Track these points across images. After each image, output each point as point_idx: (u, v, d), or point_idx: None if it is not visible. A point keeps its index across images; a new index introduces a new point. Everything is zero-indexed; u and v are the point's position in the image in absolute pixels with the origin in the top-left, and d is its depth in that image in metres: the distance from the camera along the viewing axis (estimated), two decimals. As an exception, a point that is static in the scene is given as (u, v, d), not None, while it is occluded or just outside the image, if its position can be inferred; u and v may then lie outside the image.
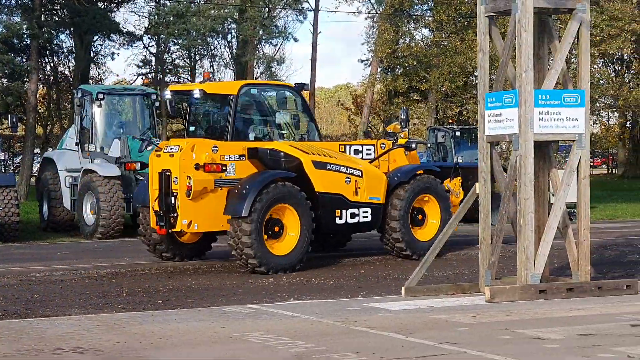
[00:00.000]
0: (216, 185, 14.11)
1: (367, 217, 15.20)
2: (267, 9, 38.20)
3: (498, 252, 11.01)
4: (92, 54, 39.72)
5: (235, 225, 13.82)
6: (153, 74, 41.42)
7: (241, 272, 14.20)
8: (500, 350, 7.71)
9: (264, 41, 39.33)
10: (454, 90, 36.15)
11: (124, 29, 39.63)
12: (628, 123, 51.59)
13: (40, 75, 37.52)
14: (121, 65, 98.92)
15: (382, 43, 38.23)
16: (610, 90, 34.62)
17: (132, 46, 41.24)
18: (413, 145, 16.49)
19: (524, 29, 10.56)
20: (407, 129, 17.02)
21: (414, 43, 39.18)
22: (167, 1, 38.13)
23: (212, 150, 14.12)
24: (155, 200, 14.28)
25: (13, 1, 34.05)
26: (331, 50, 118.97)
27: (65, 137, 23.22)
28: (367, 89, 41.83)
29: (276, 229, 14.21)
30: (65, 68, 41.81)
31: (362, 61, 45.70)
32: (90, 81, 39.48)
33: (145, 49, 42.18)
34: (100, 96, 21.18)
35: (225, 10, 36.21)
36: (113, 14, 39.03)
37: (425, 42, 40.09)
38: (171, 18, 34.84)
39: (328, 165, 14.80)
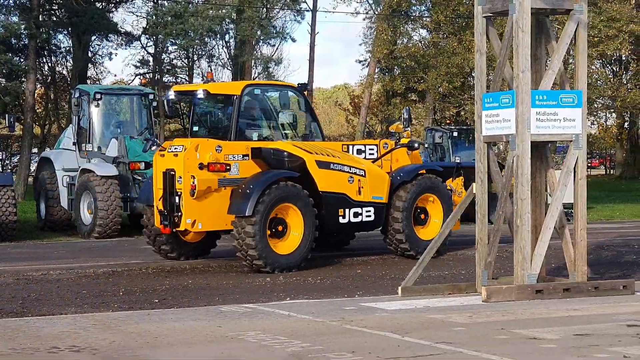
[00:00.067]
0: (220, 185, 14.17)
1: (370, 216, 15.26)
2: (265, 9, 38.20)
3: (495, 252, 11.02)
4: (90, 54, 39.73)
5: (239, 225, 13.87)
6: (151, 74, 41.43)
7: (238, 272, 14.21)
8: (496, 350, 7.71)
9: (261, 41, 39.35)
10: (451, 90, 36.20)
11: (121, 29, 39.62)
12: (626, 124, 51.64)
13: (38, 75, 37.51)
14: (119, 65, 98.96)
15: (379, 43, 38.26)
16: (608, 91, 34.67)
17: (130, 46, 41.26)
18: (416, 145, 16.55)
19: (521, 30, 10.57)
20: (409, 129, 17.09)
21: (411, 44, 39.23)
22: (165, 1, 38.14)
23: (216, 150, 14.20)
24: (159, 200, 14.35)
25: (11, 1, 34.04)
26: (329, 50, 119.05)
27: (62, 136, 23.22)
28: (365, 89, 41.85)
29: (280, 228, 14.27)
30: (63, 68, 41.84)
31: (359, 62, 45.77)
32: (88, 81, 39.49)
33: (143, 49, 42.20)
34: (98, 96, 21.20)
35: (223, 11, 36.22)
36: (111, 14, 39.04)
37: (423, 42, 40.15)
38: (169, 18, 34.84)
39: (331, 164, 14.86)
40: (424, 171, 16.09)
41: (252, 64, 39.35)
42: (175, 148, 14.26)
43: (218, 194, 14.18)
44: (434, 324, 9.19)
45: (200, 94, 14.96)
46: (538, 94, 10.70)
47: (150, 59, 41.96)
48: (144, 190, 15.65)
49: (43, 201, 21.89)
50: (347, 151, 15.78)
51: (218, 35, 39.73)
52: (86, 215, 20.19)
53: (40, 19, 34.19)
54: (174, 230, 14.39)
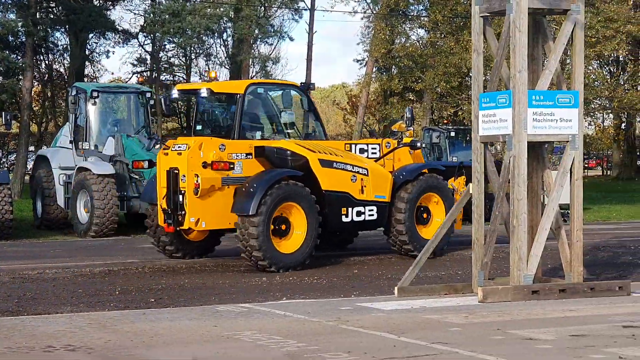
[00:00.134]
0: (223, 184, 14.22)
1: (373, 215, 15.31)
2: (262, 8, 38.20)
3: (491, 252, 11.02)
4: (87, 52, 39.73)
5: (242, 224, 13.90)
6: (148, 72, 41.42)
7: (234, 271, 14.20)
8: (492, 351, 7.71)
9: (259, 40, 39.37)
10: (449, 90, 36.18)
11: (119, 27, 39.65)
12: (623, 125, 51.63)
13: (35, 73, 37.48)
14: (116, 63, 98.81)
15: (377, 43, 38.25)
16: (605, 92, 34.65)
17: (127, 44, 41.31)
18: (418, 144, 16.59)
19: (518, 30, 10.56)
20: (412, 128, 17.13)
21: (409, 43, 39.22)
22: (163, -1, 38.14)
23: (220, 148, 14.23)
24: (163, 198, 14.38)
25: (8, -2, 34.04)
26: (327, 49, 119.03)
27: (59, 134, 23.20)
28: (363, 88, 41.86)
29: (283, 227, 14.31)
30: (60, 66, 41.83)
31: (357, 61, 45.79)
32: (85, 79, 39.44)
33: (141, 47, 42.22)
34: (95, 94, 21.17)
35: (221, 9, 36.21)
36: (108, 12, 39.04)
37: (420, 42, 40.13)
38: (167, 16, 34.83)
39: (334, 163, 14.90)
40: (426, 170, 16.14)
41: (250, 62, 39.35)
42: (179, 147, 14.32)
43: (221, 193, 14.22)
44: (430, 324, 9.19)
45: (204, 93, 15.02)
46: (535, 94, 10.70)
47: (148, 57, 41.97)
48: (148, 189, 15.70)
49: (39, 199, 21.87)
50: (350, 150, 15.83)
51: (216, 34, 39.75)
52: (82, 214, 20.17)
53: (38, 17, 34.19)
54: (178, 228, 14.43)
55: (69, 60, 39.04)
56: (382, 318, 9.52)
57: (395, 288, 11.10)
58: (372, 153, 15.99)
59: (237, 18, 35.95)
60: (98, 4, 38.44)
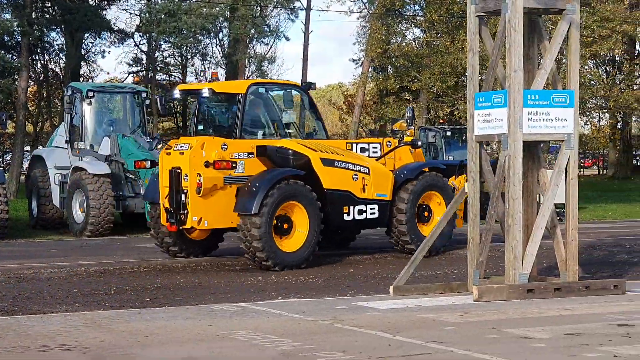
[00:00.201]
0: (226, 183, 14.27)
1: (374, 213, 15.36)
2: (258, 7, 38.18)
3: (486, 251, 11.02)
4: (82, 52, 39.67)
5: (245, 223, 13.96)
6: (144, 72, 41.38)
7: (230, 270, 14.21)
8: (487, 350, 7.72)
9: (255, 40, 39.35)
10: (445, 90, 36.18)
11: (115, 27, 39.59)
12: (619, 124, 51.70)
13: (31, 73, 37.45)
14: (112, 63, 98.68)
15: (373, 42, 38.22)
16: (601, 91, 34.69)
17: (123, 44, 41.28)
18: (419, 143, 16.64)
19: (513, 29, 10.57)
20: (413, 127, 17.17)
21: (405, 43, 39.19)
22: (159, -1, 38.10)
23: (222, 148, 14.29)
24: (165, 198, 14.43)
25: (4, -2, 34.00)
26: (323, 49, 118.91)
27: (55, 134, 23.18)
28: (359, 88, 41.83)
29: (285, 226, 14.38)
30: (56, 65, 41.78)
31: (353, 60, 45.74)
32: (81, 79, 39.41)
33: (136, 47, 42.18)
34: (91, 94, 21.17)
35: (217, 9, 36.20)
36: (104, 12, 38.99)
37: (416, 42, 40.12)
38: (162, 16, 34.81)
39: (336, 162, 14.96)
40: (427, 169, 16.20)
41: (246, 62, 39.34)
42: (181, 146, 14.38)
43: (224, 192, 14.28)
44: (425, 323, 9.19)
45: (206, 93, 15.07)
46: (530, 94, 10.71)
47: (144, 56, 41.93)
48: (150, 189, 15.74)
49: (35, 199, 21.85)
50: (351, 149, 15.87)
51: (211, 34, 39.73)
52: (78, 214, 20.16)
53: (33, 16, 34.14)
54: (180, 227, 14.47)
55: (64, 60, 39.00)
56: (377, 317, 9.52)
57: (391, 287, 11.11)
58: (373, 152, 16.05)
59: (233, 18, 35.94)
60: (94, 4, 38.39)
